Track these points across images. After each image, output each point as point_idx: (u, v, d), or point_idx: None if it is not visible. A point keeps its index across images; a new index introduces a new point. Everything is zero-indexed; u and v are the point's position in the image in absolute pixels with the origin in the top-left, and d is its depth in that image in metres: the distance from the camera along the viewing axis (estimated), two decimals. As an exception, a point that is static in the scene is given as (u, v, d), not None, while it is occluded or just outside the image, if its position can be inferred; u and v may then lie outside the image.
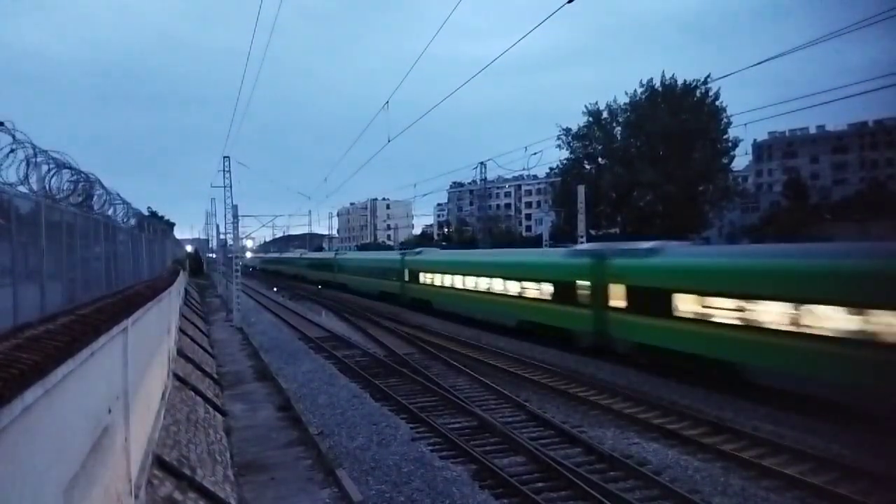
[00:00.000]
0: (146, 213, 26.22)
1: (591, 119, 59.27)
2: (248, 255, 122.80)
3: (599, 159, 59.90)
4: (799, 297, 14.02)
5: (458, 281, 31.99)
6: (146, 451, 8.50)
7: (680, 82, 55.18)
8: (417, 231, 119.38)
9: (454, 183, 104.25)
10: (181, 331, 22.30)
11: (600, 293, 20.64)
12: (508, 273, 27.26)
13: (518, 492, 10.48)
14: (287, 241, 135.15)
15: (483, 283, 29.10)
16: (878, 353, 12.17)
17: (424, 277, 36.63)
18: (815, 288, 13.89)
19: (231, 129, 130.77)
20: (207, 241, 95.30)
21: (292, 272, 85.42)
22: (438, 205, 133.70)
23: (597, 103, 59.09)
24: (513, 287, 26.46)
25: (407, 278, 39.38)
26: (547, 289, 24.03)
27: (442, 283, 34.04)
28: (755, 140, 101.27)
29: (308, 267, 76.18)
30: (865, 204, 51.99)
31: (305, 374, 20.17)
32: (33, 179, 6.73)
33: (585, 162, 61.02)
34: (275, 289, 69.18)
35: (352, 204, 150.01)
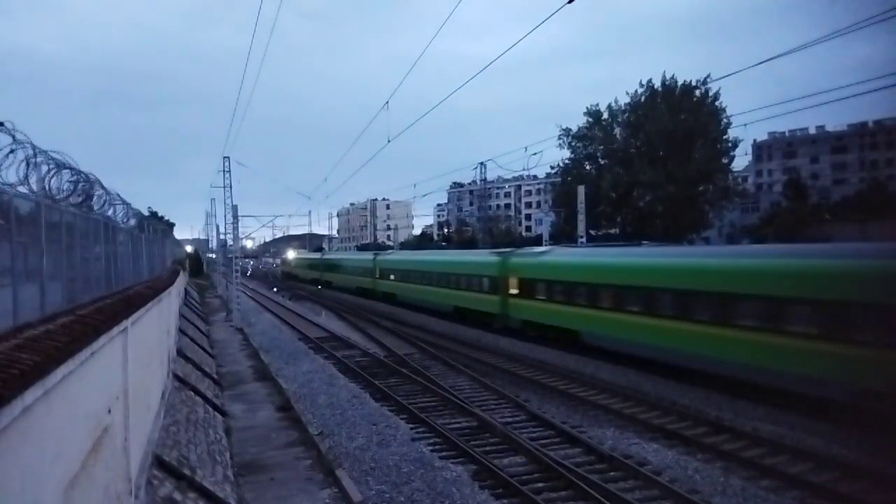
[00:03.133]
0: (146, 214, 26.20)
1: (591, 119, 59.42)
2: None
3: (600, 159, 60.00)
4: None
5: (674, 303, 17.91)
6: (146, 452, 8.51)
7: (680, 82, 55.35)
8: (417, 231, 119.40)
9: (454, 183, 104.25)
10: (181, 331, 22.30)
11: None
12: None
13: (518, 492, 10.50)
14: (287, 242, 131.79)
15: (770, 310, 14.85)
16: None
17: (561, 291, 23.79)
18: None
19: (231, 129, 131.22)
20: (207, 241, 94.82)
21: (312, 277, 71.32)
22: (438, 205, 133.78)
23: (598, 104, 59.34)
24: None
25: (515, 291, 27.02)
26: None
27: (616, 303, 20.42)
28: (755, 140, 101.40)
29: (333, 270, 63.11)
30: (865, 204, 51.93)
31: (305, 374, 20.17)
32: (33, 180, 6.73)
33: (586, 162, 61.12)
34: (274, 289, 69.16)
35: (352, 204, 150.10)
